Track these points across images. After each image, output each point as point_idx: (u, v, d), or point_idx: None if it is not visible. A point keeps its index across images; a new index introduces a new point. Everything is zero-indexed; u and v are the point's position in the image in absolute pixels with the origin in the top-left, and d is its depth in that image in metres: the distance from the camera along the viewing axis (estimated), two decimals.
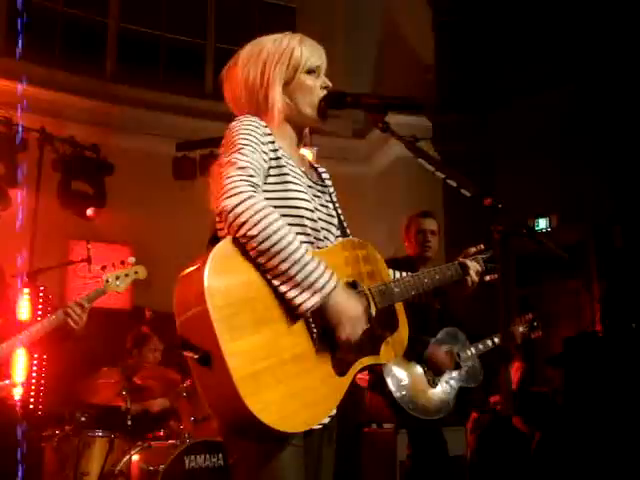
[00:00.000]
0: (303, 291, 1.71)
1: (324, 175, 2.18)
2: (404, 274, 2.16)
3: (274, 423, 1.64)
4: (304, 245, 1.76)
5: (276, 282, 1.72)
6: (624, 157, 6.14)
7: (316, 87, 2.02)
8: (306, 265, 1.71)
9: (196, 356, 1.66)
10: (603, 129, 6.25)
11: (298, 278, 1.70)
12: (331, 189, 2.16)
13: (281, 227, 1.71)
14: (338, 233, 2.05)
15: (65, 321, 3.14)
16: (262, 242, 1.69)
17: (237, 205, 1.69)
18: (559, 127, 6.60)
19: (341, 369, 1.83)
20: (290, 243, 1.71)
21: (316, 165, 2.21)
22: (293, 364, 1.72)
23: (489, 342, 4.02)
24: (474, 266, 2.21)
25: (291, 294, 1.71)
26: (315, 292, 1.72)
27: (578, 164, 6.48)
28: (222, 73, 2.09)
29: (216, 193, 1.78)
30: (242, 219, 1.69)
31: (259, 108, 1.99)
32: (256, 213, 1.69)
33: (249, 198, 1.71)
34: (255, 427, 1.64)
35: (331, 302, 1.75)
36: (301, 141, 2.10)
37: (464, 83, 7.33)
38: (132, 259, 3.48)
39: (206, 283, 1.64)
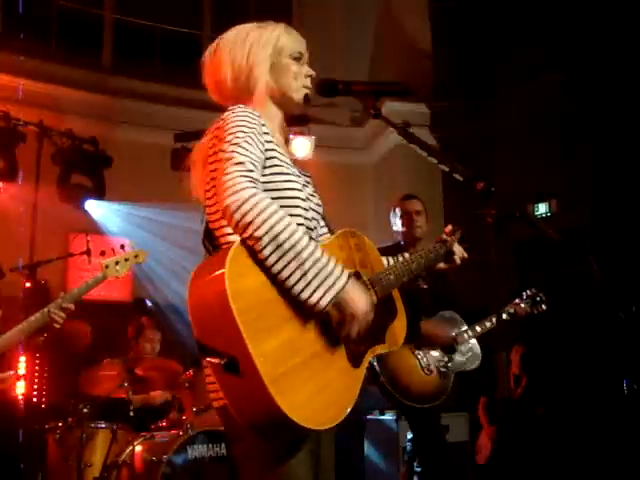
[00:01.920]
0: (316, 289, 1.68)
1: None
2: (395, 260, 2.20)
3: (306, 422, 1.63)
4: (312, 242, 1.72)
5: (288, 283, 1.67)
6: (625, 142, 6.11)
7: (301, 73, 2.03)
8: (317, 262, 1.69)
9: (222, 362, 1.62)
10: (603, 113, 6.22)
11: (309, 275, 1.67)
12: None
13: (288, 225, 1.68)
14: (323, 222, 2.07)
15: (47, 322, 3.12)
16: (270, 242, 1.65)
17: (241, 205, 1.66)
18: (559, 112, 6.56)
19: (355, 361, 1.85)
20: (298, 241, 1.68)
21: None
22: (315, 360, 1.73)
23: (487, 323, 3.86)
24: (460, 251, 2.36)
25: (304, 294, 1.68)
26: (329, 289, 1.69)
27: (578, 149, 6.45)
28: (203, 59, 2.10)
29: (201, 183, 1.81)
30: (247, 219, 1.65)
31: (243, 90, 2.00)
32: (261, 212, 1.66)
33: (252, 196, 1.67)
34: (286, 428, 1.62)
35: (345, 297, 1.72)
36: (285, 127, 2.10)
37: (462, 68, 7.29)
38: (131, 243, 3.44)
39: (228, 287, 1.60)
